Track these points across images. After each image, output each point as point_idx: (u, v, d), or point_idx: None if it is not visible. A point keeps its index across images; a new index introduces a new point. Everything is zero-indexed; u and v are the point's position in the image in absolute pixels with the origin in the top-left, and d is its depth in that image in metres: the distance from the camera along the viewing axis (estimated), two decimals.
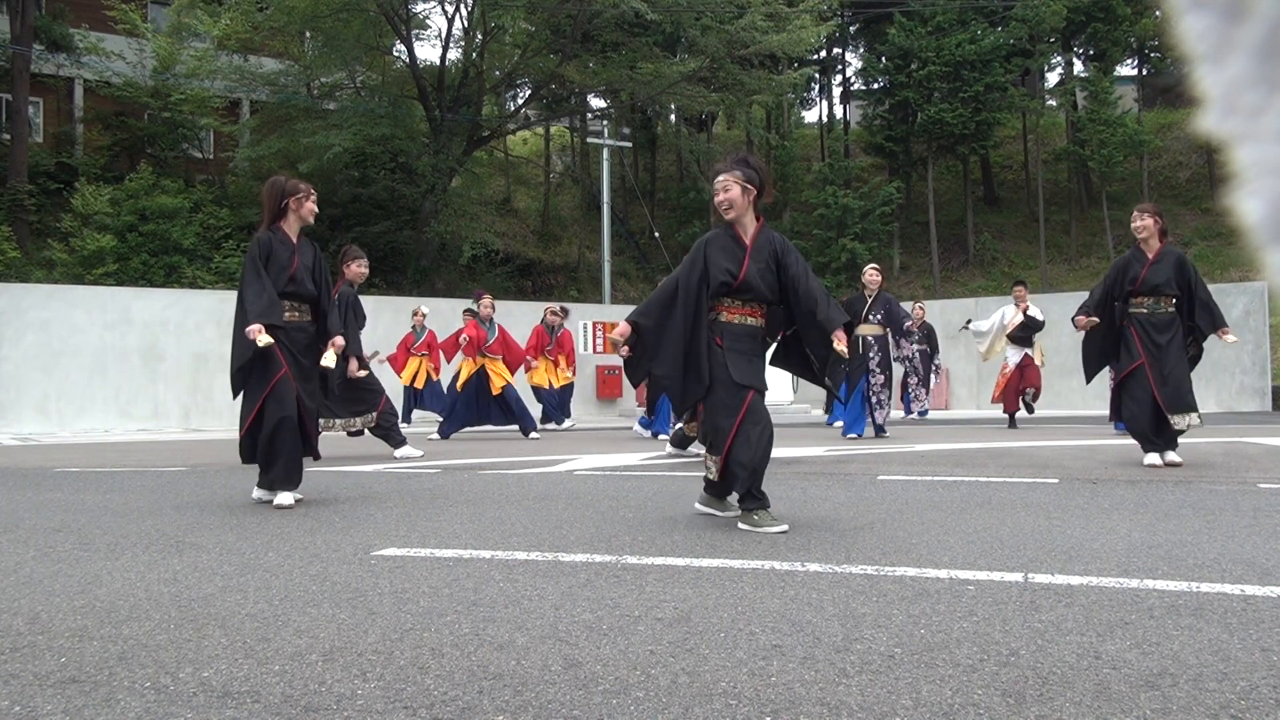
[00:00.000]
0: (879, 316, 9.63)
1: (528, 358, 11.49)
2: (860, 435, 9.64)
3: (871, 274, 9.78)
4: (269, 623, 2.45)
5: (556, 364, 12.48)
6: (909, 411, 13.57)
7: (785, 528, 3.83)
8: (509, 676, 2.00)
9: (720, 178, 4.11)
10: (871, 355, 9.64)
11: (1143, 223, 6.30)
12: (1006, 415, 11.53)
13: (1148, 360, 6.21)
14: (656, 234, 22.91)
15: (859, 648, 2.18)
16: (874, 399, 9.69)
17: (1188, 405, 6.19)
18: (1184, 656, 2.09)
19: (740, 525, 3.94)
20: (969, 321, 12.83)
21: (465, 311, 12.68)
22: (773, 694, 1.87)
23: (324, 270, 5.11)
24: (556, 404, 12.54)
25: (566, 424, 12.54)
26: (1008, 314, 11.36)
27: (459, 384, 10.54)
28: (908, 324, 10.25)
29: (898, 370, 11.16)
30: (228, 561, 3.32)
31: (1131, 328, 6.32)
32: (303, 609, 2.60)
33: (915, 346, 12.11)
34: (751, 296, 4.11)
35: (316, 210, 5.06)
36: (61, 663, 2.12)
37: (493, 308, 10.63)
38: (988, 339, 11.58)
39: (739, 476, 3.97)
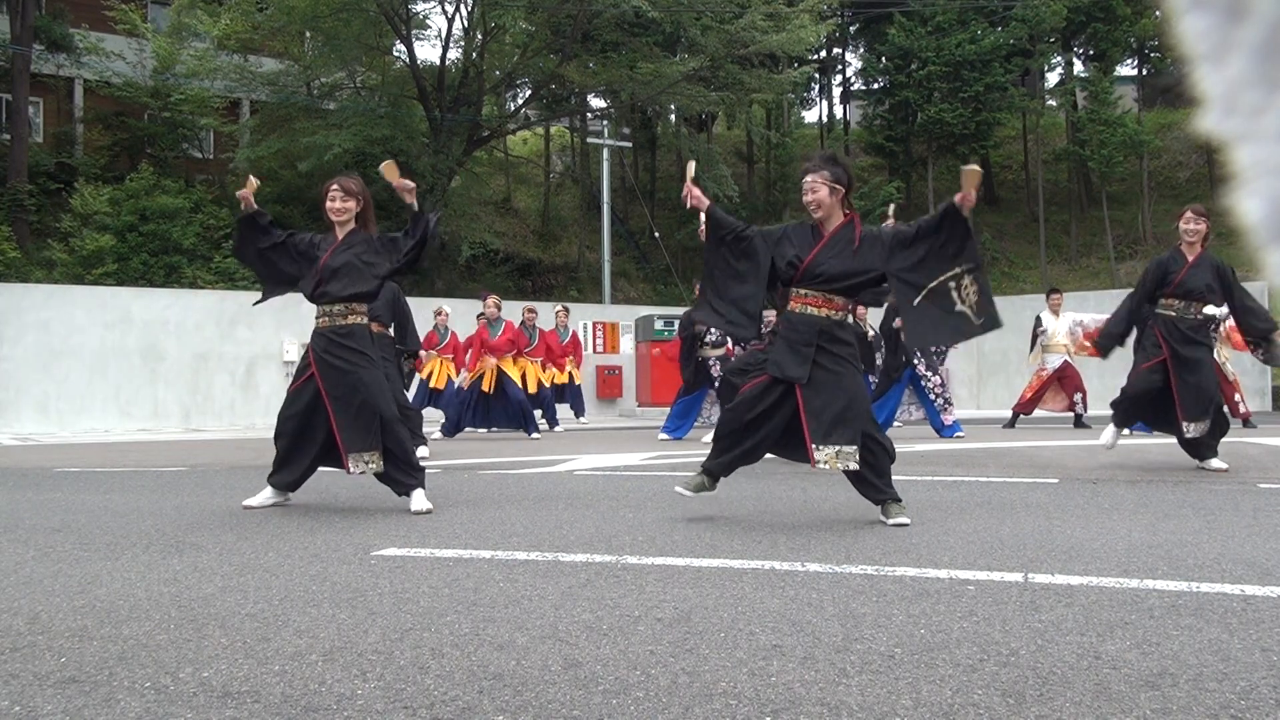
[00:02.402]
0: None
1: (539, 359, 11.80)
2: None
3: None
4: (269, 623, 2.45)
5: (545, 365, 12.38)
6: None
7: (684, 493, 4.37)
8: (509, 676, 1.99)
9: (808, 178, 4.16)
10: (919, 359, 9.65)
11: (1196, 226, 6.09)
12: (1011, 413, 11.52)
13: (1171, 360, 6.02)
14: (656, 234, 22.88)
15: (859, 648, 2.18)
16: (937, 400, 9.83)
17: (1203, 414, 5.99)
18: (1184, 656, 2.08)
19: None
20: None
21: (479, 316, 12.66)
22: (773, 694, 1.87)
23: (377, 261, 4.75)
24: (551, 405, 12.46)
25: (558, 428, 12.46)
26: (1047, 323, 11.23)
27: (466, 384, 10.63)
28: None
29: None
30: (228, 561, 3.32)
31: (1156, 328, 6.12)
32: (303, 609, 2.60)
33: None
34: (819, 281, 4.11)
35: (341, 206, 4.76)
36: (61, 663, 2.12)
37: (498, 307, 10.71)
38: (1034, 348, 11.42)
39: None
